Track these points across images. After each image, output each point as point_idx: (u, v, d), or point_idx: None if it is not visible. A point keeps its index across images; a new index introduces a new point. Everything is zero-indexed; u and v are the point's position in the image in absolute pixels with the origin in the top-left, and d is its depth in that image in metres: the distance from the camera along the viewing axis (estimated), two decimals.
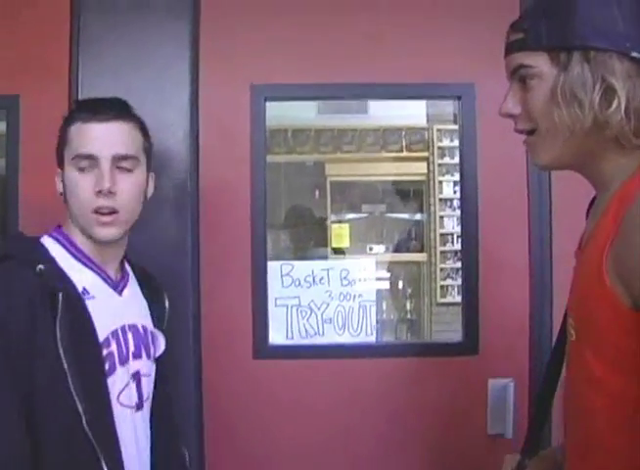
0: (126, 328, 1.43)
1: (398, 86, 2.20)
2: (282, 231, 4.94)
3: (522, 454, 1.37)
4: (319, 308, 2.24)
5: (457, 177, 5.20)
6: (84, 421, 1.24)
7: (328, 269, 2.25)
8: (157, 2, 2.17)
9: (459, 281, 5.21)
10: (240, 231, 2.13)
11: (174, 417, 1.61)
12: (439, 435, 2.18)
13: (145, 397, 1.46)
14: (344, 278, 2.26)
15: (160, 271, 1.69)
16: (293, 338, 2.22)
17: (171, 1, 2.17)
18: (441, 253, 5.30)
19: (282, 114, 2.25)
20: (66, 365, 1.23)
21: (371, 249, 5.40)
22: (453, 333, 4.91)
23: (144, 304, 1.54)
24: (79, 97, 2.14)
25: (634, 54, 1.04)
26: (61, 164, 1.44)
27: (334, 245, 5.20)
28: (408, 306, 5.38)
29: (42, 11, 2.18)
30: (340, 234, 5.24)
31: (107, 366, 1.35)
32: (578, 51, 1.06)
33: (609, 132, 1.06)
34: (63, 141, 1.44)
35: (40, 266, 1.28)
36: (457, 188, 5.23)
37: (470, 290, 2.21)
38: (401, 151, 5.42)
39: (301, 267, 2.26)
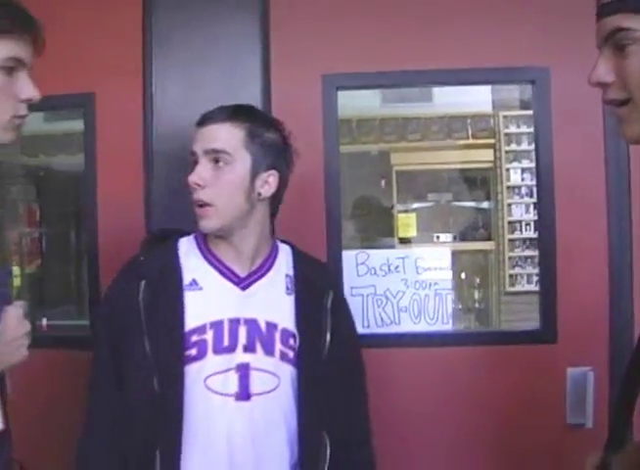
0: (240, 321, 1.49)
1: (471, 71, 2.18)
2: (349, 221, 4.95)
3: (605, 450, 1.32)
4: (395, 297, 2.23)
5: (525, 164, 5.24)
6: (155, 382, 1.43)
7: (403, 258, 2.24)
8: None
9: (528, 269, 5.26)
10: (315, 221, 2.14)
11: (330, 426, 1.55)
12: (518, 423, 2.15)
13: (254, 391, 1.48)
14: (419, 267, 2.25)
15: None
16: (369, 327, 2.22)
17: None
18: (510, 241, 5.26)
19: (346, 103, 2.24)
20: (147, 342, 1.44)
21: (438, 238, 5.39)
22: (522, 322, 4.88)
23: (285, 301, 1.56)
24: (152, 93, 2.20)
25: None
26: None
27: (400, 234, 5.18)
28: (476, 296, 5.34)
29: (115, 9, 2.23)
30: (406, 223, 5.21)
31: (194, 351, 1.45)
32: None
33: None
34: None
35: (140, 258, 1.54)
36: (525, 175, 5.24)
37: (547, 277, 2.18)
38: (467, 138, 5.39)
39: (377, 256, 2.26)
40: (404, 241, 5.19)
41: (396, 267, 2.23)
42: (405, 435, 2.16)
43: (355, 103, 3.72)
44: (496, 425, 2.17)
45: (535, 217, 5.12)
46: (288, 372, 1.52)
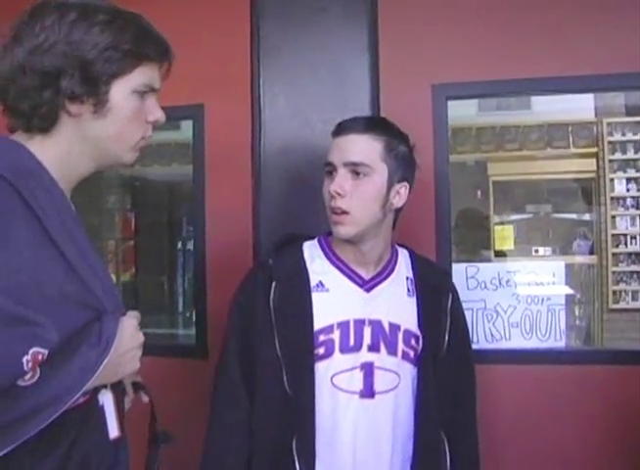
0: (365, 322, 1.56)
1: (584, 78, 2.11)
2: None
3: None
4: (505, 312, 2.17)
5: (631, 174, 5.04)
6: (285, 379, 1.51)
7: (514, 272, 2.19)
8: (334, 8, 2.20)
9: (634, 286, 5.04)
10: (425, 232, 2.11)
11: (443, 423, 1.63)
12: (630, 447, 2.05)
13: (378, 389, 1.55)
14: (532, 281, 2.18)
15: None
16: (478, 342, 2.17)
17: (348, 6, 2.20)
18: (614, 255, 5.05)
19: None
20: (277, 341, 1.53)
21: (536, 251, 5.24)
22: (626, 342, 4.69)
23: (407, 302, 1.62)
24: (261, 104, 2.21)
25: None
26: None
27: (497, 247, 5.07)
28: (577, 312, 5.15)
29: (223, 21, 2.27)
30: (503, 236, 5.10)
31: (322, 350, 1.53)
32: None
33: None
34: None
35: (270, 261, 1.60)
36: (630, 185, 5.05)
37: None
38: (568, 147, 5.24)
39: (487, 269, 2.22)
40: (500, 254, 5.08)
41: (507, 281, 2.17)
42: (513, 453, 2.10)
43: (451, 111, 3.68)
44: (607, 447, 2.08)
45: None
46: (408, 371, 1.58)
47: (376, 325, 1.56)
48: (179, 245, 5.11)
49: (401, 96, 2.14)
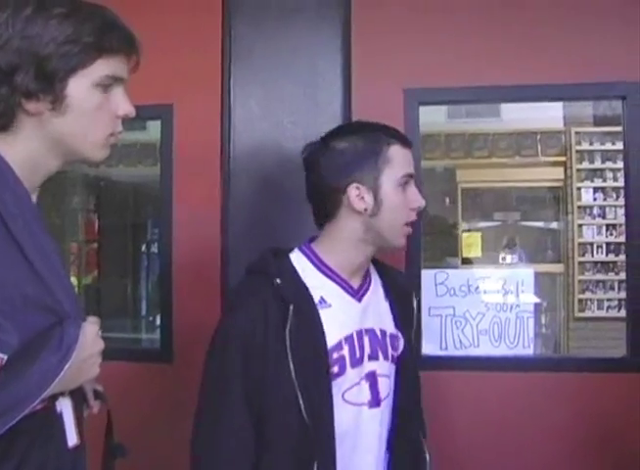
0: (363, 332, 1.53)
1: (561, 87, 2.12)
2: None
3: None
4: (474, 319, 2.16)
5: (598, 183, 5.08)
6: (305, 415, 1.40)
7: (484, 278, 2.18)
8: (307, 10, 2.18)
9: (599, 294, 5.10)
10: None
11: (418, 416, 1.65)
12: (599, 454, 2.06)
13: (382, 395, 1.54)
14: (501, 288, 2.19)
15: None
16: (447, 349, 2.16)
17: (321, 8, 2.18)
18: (580, 263, 5.10)
19: None
20: (292, 367, 1.40)
21: (503, 259, 5.28)
22: (593, 349, 4.73)
23: (385, 306, 1.62)
24: (231, 106, 2.18)
25: None
26: (372, 182, 1.48)
27: (464, 254, 5.10)
28: (543, 320, 5.20)
29: (195, 22, 2.23)
30: (471, 243, 5.13)
31: (336, 368, 1.47)
32: None
33: None
34: (375, 165, 1.48)
35: (277, 280, 1.45)
36: (597, 195, 5.10)
37: (636, 302, 2.08)
38: (536, 155, 5.29)
39: (456, 276, 2.21)
40: (468, 261, 5.11)
41: (477, 288, 2.17)
42: (482, 458, 2.09)
43: (421, 117, 3.67)
44: (576, 454, 2.08)
45: (608, 239, 5.07)
46: (393, 373, 1.59)
47: (371, 333, 1.54)
48: (144, 248, 5.05)
49: (373, 100, 2.13)
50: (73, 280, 3.96)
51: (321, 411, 1.43)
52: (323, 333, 1.46)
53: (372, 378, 1.53)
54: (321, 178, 1.50)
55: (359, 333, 1.52)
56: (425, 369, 2.06)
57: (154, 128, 2.30)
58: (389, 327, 1.59)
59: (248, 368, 1.41)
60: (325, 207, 1.51)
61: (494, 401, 2.09)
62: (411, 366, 1.64)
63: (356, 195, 1.46)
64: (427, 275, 2.15)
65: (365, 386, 1.51)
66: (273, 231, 2.10)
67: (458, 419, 2.09)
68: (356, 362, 1.50)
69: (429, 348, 2.14)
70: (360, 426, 1.51)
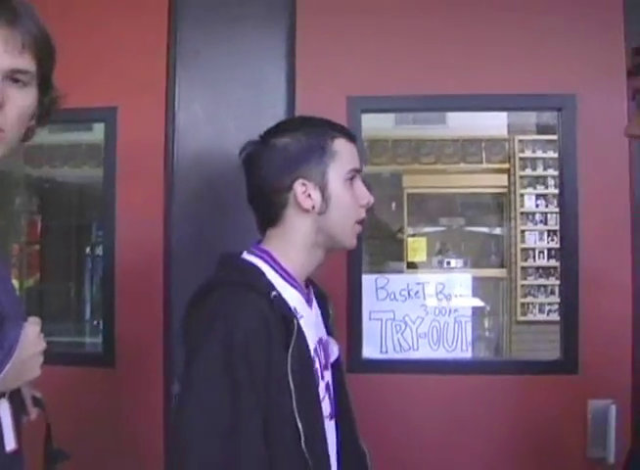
0: (321, 341, 1.47)
1: (499, 97, 2.17)
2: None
3: None
4: (414, 323, 2.20)
5: (540, 190, 5.19)
6: (302, 440, 1.25)
7: (423, 283, 2.22)
8: (253, 16, 2.20)
9: (541, 298, 5.21)
10: None
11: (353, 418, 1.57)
12: (537, 455, 2.11)
13: (336, 405, 1.49)
14: (440, 292, 2.23)
15: None
16: (387, 352, 2.19)
17: (267, 14, 2.20)
18: (522, 268, 5.21)
19: None
20: (292, 387, 1.25)
21: (448, 263, 5.36)
22: (533, 352, 4.84)
23: (319, 313, 1.53)
24: (176, 109, 2.18)
25: None
26: (319, 178, 1.39)
27: (410, 259, 5.16)
28: (486, 324, 5.29)
29: (141, 25, 2.23)
30: (416, 248, 5.20)
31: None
32: None
33: None
34: (320, 160, 1.40)
35: (274, 293, 1.29)
36: (539, 201, 5.22)
37: (569, 307, 2.14)
38: (481, 162, 5.39)
39: (396, 281, 2.24)
40: (413, 266, 5.18)
41: (416, 293, 2.21)
42: (420, 461, 2.12)
43: (368, 123, 3.71)
44: (513, 456, 2.13)
45: (549, 245, 5.19)
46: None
47: (322, 342, 1.46)
48: (87, 250, 4.97)
49: (317, 106, 2.13)
50: (15, 282, 3.88)
51: (316, 432, 1.31)
52: (309, 348, 1.35)
53: (329, 389, 1.47)
54: (264, 177, 1.39)
55: (320, 342, 1.44)
56: (365, 372, 2.12)
57: (99, 129, 2.29)
58: (324, 333, 1.52)
59: (254, 378, 1.22)
60: (270, 208, 1.40)
61: (434, 403, 2.13)
62: (342, 370, 1.57)
63: (302, 192, 1.37)
64: (367, 280, 2.18)
65: (327, 397, 1.44)
66: (217, 234, 2.11)
67: (398, 421, 2.13)
68: (322, 374, 1.43)
69: (369, 351, 2.17)
70: (329, 439, 1.40)
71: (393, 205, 5.57)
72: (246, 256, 1.41)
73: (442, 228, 5.57)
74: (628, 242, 2.13)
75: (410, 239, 5.31)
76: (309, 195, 1.37)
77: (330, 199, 1.39)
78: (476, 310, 5.12)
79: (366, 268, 4.67)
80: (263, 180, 1.40)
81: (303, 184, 1.37)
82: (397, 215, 5.50)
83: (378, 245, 5.32)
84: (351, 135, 1.47)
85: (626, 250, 2.13)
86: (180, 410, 1.25)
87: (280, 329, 1.27)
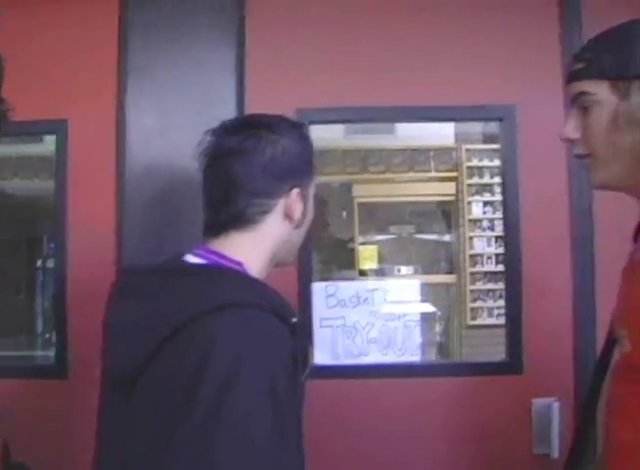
0: None
1: (441, 108, 2.23)
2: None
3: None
4: (364, 328, 2.25)
5: (487, 197, 5.29)
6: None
7: (372, 290, 2.27)
8: (202, 28, 2.22)
9: (489, 303, 5.31)
10: None
11: None
12: (485, 454, 2.17)
13: None
14: (388, 299, 2.27)
15: None
16: (338, 358, 2.23)
17: (217, 27, 2.23)
18: (471, 274, 5.30)
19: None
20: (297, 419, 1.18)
21: (399, 270, 5.42)
22: (483, 355, 4.93)
23: None
24: (126, 121, 2.20)
25: None
26: (306, 191, 1.32)
27: (361, 267, 5.22)
28: (437, 329, 5.37)
29: (91, 36, 2.24)
30: (367, 256, 5.26)
31: None
32: (638, 80, 1.14)
33: None
34: (312, 172, 1.35)
35: (294, 319, 1.17)
36: (487, 208, 5.32)
37: (513, 309, 2.22)
38: (429, 171, 5.46)
39: (346, 288, 2.28)
40: (365, 273, 5.24)
41: (365, 299, 2.25)
42: (373, 464, 2.17)
43: (318, 133, 3.73)
44: (463, 455, 2.19)
45: (497, 251, 5.29)
46: None
47: None
48: (39, 263, 4.92)
49: None
50: None
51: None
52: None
53: None
54: (253, 176, 1.23)
55: None
56: (317, 378, 2.14)
57: (50, 141, 2.29)
58: None
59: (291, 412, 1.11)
60: (247, 210, 1.24)
61: (385, 406, 2.17)
62: None
63: (295, 201, 1.27)
64: (317, 288, 2.22)
65: None
66: (169, 246, 2.10)
67: (351, 425, 2.17)
68: None
69: (321, 357, 2.21)
70: None
71: (344, 214, 5.62)
72: (223, 266, 1.23)
73: (392, 236, 5.64)
74: (567, 247, 2.22)
75: (361, 247, 5.37)
76: (295, 206, 1.28)
77: (307, 215, 1.33)
78: (427, 316, 5.21)
79: (318, 277, 4.73)
80: (251, 178, 1.24)
81: (298, 194, 1.28)
82: (348, 224, 5.55)
83: (330, 253, 5.38)
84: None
85: (566, 254, 2.22)
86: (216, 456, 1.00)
87: (300, 358, 1.15)
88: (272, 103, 2.18)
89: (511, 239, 2.24)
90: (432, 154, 5.45)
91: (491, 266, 5.27)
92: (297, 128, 1.34)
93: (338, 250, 5.46)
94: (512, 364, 2.20)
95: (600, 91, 1.18)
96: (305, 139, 1.35)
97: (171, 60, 2.21)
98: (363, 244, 5.44)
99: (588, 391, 1.48)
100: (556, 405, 2.12)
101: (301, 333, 1.19)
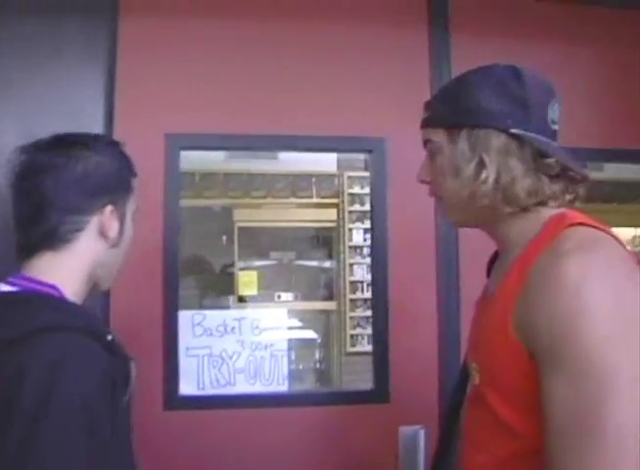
0: None
1: (312, 139, 2.25)
2: (187, 278, 4.89)
3: None
4: (231, 358, 2.22)
5: (367, 225, 5.36)
6: None
7: (240, 319, 2.24)
8: (72, 49, 2.17)
9: (369, 330, 5.33)
10: (151, 280, 2.10)
11: None
12: None
13: None
14: (256, 327, 2.25)
15: None
16: (204, 388, 2.19)
17: (87, 48, 2.18)
18: (351, 301, 5.33)
19: (190, 156, 2.24)
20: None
21: (279, 297, 5.41)
22: (363, 382, 4.97)
23: None
24: None
25: (513, 130, 1.16)
26: (122, 209, 1.29)
27: (240, 292, 5.17)
28: (317, 356, 5.38)
29: None
30: (247, 281, 5.22)
31: None
32: (466, 128, 1.19)
33: (485, 201, 1.17)
34: (129, 189, 1.32)
35: (110, 336, 1.16)
36: (367, 235, 5.39)
37: (380, 338, 2.24)
38: (311, 197, 5.49)
39: (213, 317, 2.24)
40: (244, 299, 5.20)
41: (232, 328, 2.22)
42: None
43: (199, 156, 3.70)
44: None
45: None
46: None
47: None
48: None
49: (135, 143, 2.09)
50: None
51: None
52: None
53: None
54: (63, 193, 1.19)
55: None
56: (182, 409, 2.11)
57: None
58: None
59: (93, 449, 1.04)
60: (59, 228, 1.20)
61: (251, 437, 2.15)
62: None
63: (109, 219, 1.24)
64: (184, 316, 2.17)
65: None
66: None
67: (215, 456, 2.13)
68: None
69: (186, 388, 2.16)
70: None
71: (224, 238, 5.58)
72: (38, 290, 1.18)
73: (273, 262, 5.63)
74: (434, 276, 2.27)
75: (241, 273, 5.33)
76: (111, 223, 1.25)
77: (124, 234, 1.30)
78: (307, 342, 5.22)
79: (196, 303, 4.65)
80: (62, 195, 1.20)
81: (112, 211, 1.25)
82: (228, 249, 5.50)
83: (208, 279, 5.32)
84: (136, 173, 1.37)
85: (432, 283, 2.27)
86: None
87: (122, 375, 1.16)
88: (140, 127, 2.15)
89: (379, 267, 2.27)
90: (314, 180, 5.49)
91: (370, 294, 5.32)
92: (113, 146, 1.33)
93: (217, 275, 5.40)
94: (379, 393, 2.22)
95: (440, 139, 1.24)
96: (122, 157, 1.33)
97: (37, 77, 2.15)
98: (243, 269, 5.40)
99: (445, 419, 1.50)
100: (422, 433, 2.14)
101: (120, 350, 1.17)
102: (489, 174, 1.15)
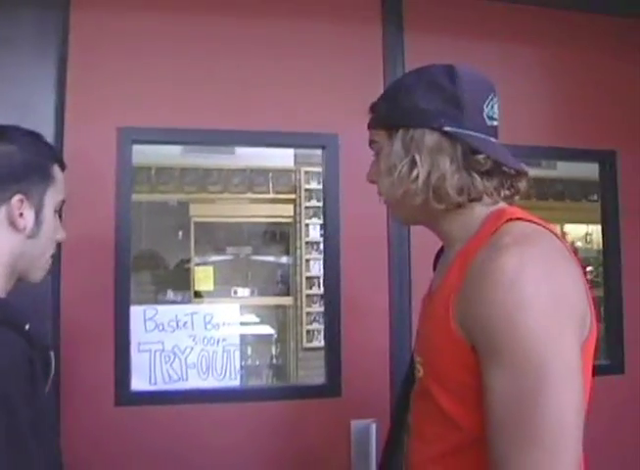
0: None
1: (266, 134, 2.26)
2: (142, 273, 4.86)
3: None
4: (183, 353, 2.22)
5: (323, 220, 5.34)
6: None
7: (192, 314, 2.24)
8: (22, 40, 2.14)
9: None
10: (103, 274, 2.09)
11: None
12: None
13: None
14: (209, 322, 2.25)
15: None
16: (156, 383, 2.19)
17: (38, 40, 2.15)
18: (307, 296, 5.33)
19: (146, 150, 2.23)
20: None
21: (236, 292, 5.40)
22: (318, 377, 4.99)
23: None
24: None
25: (446, 128, 1.19)
26: (37, 199, 1.29)
27: (196, 288, 5.15)
28: (274, 351, 5.38)
29: None
30: (203, 277, 5.20)
31: None
32: (402, 129, 1.22)
33: (418, 199, 1.20)
34: (47, 178, 1.32)
35: (27, 326, 1.15)
36: (323, 231, 5.38)
37: (332, 332, 2.26)
38: (268, 192, 5.47)
39: (165, 312, 2.24)
40: (200, 295, 5.18)
41: (185, 323, 2.22)
42: None
43: (155, 150, 3.67)
44: None
45: None
46: None
47: None
48: None
49: (86, 137, 2.12)
50: None
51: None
52: None
53: None
54: None
55: None
56: (134, 404, 2.10)
57: None
58: None
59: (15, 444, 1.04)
60: None
61: (204, 432, 2.15)
62: None
63: (18, 208, 1.24)
64: (136, 311, 2.16)
65: None
66: None
67: (168, 452, 2.12)
68: None
69: (137, 383, 2.15)
70: None
71: (180, 233, 5.54)
72: None
73: (230, 257, 5.60)
74: (385, 271, 2.30)
75: (197, 268, 5.30)
76: (22, 214, 1.25)
77: (42, 224, 1.29)
78: (263, 338, 5.22)
79: (152, 299, 4.62)
80: None
81: (21, 201, 1.25)
82: (184, 244, 5.46)
83: (164, 275, 5.28)
84: (64, 164, 1.39)
85: (384, 278, 2.30)
86: None
87: (41, 364, 1.15)
88: (92, 120, 2.14)
89: (331, 263, 2.29)
90: (271, 175, 5.47)
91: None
92: (29, 136, 1.33)
93: (173, 271, 5.37)
94: (331, 387, 2.24)
95: (381, 140, 1.27)
96: (40, 145, 1.33)
97: None
98: (199, 265, 5.38)
99: (394, 412, 1.52)
100: (373, 426, 2.17)
101: (39, 339, 1.17)
102: (420, 173, 1.18)
